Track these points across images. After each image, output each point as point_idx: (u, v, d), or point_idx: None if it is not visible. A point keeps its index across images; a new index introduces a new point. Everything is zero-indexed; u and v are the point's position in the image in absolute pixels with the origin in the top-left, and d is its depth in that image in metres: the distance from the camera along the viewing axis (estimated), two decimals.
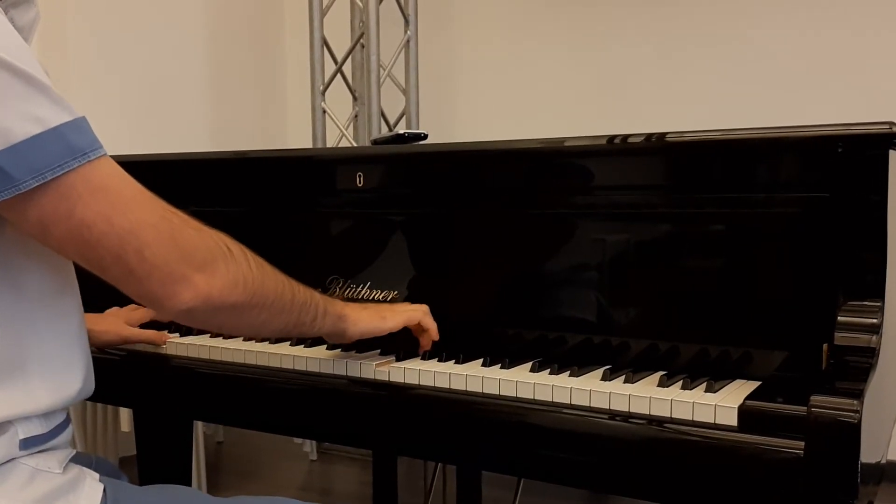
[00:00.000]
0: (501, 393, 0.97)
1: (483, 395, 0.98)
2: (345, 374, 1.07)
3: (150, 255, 0.77)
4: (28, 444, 0.80)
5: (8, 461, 0.78)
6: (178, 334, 1.26)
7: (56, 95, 0.74)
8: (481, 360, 1.05)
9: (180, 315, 0.82)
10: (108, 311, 1.25)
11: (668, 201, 1.07)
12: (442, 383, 1.01)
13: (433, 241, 1.22)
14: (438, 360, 1.07)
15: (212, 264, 0.81)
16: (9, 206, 0.73)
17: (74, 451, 0.87)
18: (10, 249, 0.79)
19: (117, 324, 1.20)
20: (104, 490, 0.84)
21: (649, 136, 1.05)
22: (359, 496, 2.42)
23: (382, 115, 2.68)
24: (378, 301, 1.22)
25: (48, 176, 0.72)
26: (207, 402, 1.22)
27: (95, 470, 0.89)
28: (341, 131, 2.71)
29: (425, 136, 1.28)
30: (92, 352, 0.91)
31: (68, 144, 0.73)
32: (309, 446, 2.72)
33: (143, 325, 1.25)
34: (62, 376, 0.84)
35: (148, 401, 1.35)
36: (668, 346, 1.02)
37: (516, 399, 0.96)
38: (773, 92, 2.33)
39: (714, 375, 0.94)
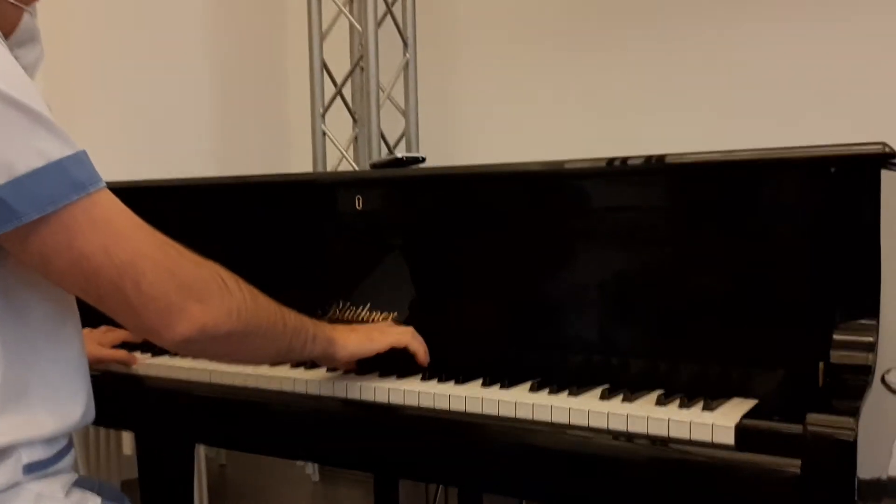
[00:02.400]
0: (500, 413, 0.98)
1: (482, 415, 0.99)
2: (344, 395, 1.08)
3: (147, 286, 0.79)
4: (32, 468, 0.81)
5: (12, 486, 0.79)
6: (149, 354, 1.28)
7: (58, 129, 0.76)
8: (480, 381, 1.06)
9: (177, 345, 0.84)
10: (96, 330, 1.27)
11: (666, 222, 1.08)
12: (441, 404, 1.02)
13: (432, 262, 1.23)
14: (438, 381, 1.07)
15: (207, 295, 0.83)
16: (10, 238, 0.75)
17: (77, 476, 0.88)
18: (12, 280, 0.81)
19: (89, 344, 1.21)
20: None
21: (649, 157, 1.06)
22: None
23: (382, 136, 2.70)
24: (378, 321, 1.23)
25: (49, 209, 0.74)
26: (207, 425, 1.23)
27: (98, 494, 0.89)
28: (342, 153, 2.72)
29: (423, 160, 1.29)
30: (92, 376, 0.92)
31: (70, 178, 0.75)
32: (311, 468, 2.72)
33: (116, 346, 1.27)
34: (65, 403, 0.85)
35: (148, 424, 1.36)
36: (666, 365, 1.03)
37: (515, 420, 0.97)
38: (770, 114, 2.34)
39: (712, 394, 0.95)
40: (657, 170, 1.07)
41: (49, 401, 0.83)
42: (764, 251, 1.00)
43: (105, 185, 0.78)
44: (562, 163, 1.14)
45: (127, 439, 2.17)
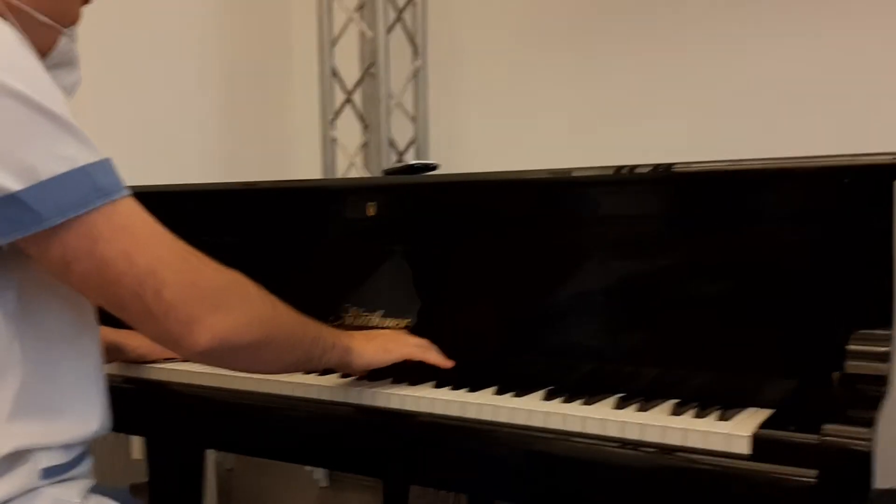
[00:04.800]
0: (514, 421, 0.98)
1: (495, 423, 0.99)
2: (357, 402, 1.08)
3: (168, 295, 0.79)
4: (49, 473, 0.81)
5: (30, 491, 0.79)
6: None
7: (83, 136, 0.77)
8: (493, 389, 1.06)
9: (197, 356, 0.84)
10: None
11: (677, 231, 1.08)
12: (454, 411, 1.02)
13: (444, 269, 1.23)
14: (451, 388, 1.07)
15: (228, 305, 0.83)
16: (32, 242, 0.75)
17: (94, 482, 0.88)
18: (33, 288, 0.81)
19: (142, 342, 1.21)
20: None
21: (657, 166, 1.07)
22: None
23: (392, 143, 2.70)
24: (389, 328, 1.23)
25: (71, 214, 0.74)
26: (219, 430, 1.23)
27: (115, 500, 0.90)
28: (350, 160, 2.73)
29: (436, 167, 1.29)
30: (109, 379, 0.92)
31: (93, 183, 0.75)
32: (320, 474, 2.72)
33: None
34: (81, 413, 0.86)
35: (159, 429, 1.36)
36: (680, 374, 1.03)
37: (528, 427, 0.97)
38: (775, 121, 2.34)
39: (726, 403, 0.95)
40: (666, 178, 1.08)
41: (66, 409, 0.84)
42: (777, 260, 1.00)
43: (129, 192, 0.79)
44: (570, 171, 1.14)
45: (136, 444, 2.18)
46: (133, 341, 1.19)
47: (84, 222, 0.75)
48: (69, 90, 0.91)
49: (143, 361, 1.23)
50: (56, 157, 0.74)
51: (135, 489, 2.14)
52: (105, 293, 0.79)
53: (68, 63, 0.93)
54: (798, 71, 2.29)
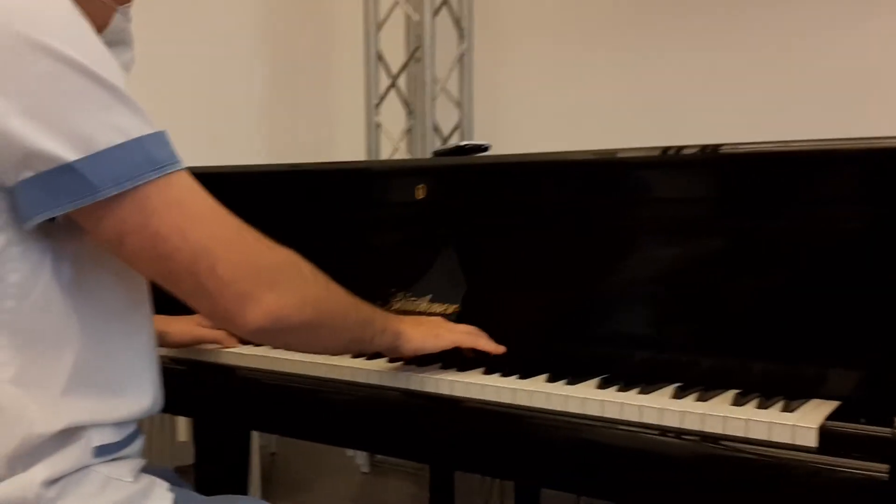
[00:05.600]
0: (567, 409, 0.95)
1: (548, 410, 0.96)
2: (406, 386, 1.07)
3: (222, 271, 0.78)
4: (102, 451, 0.81)
5: (82, 468, 0.79)
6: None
7: (139, 107, 0.76)
8: (545, 376, 1.03)
9: (249, 333, 0.83)
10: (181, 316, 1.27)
11: (735, 214, 1.04)
12: (505, 398, 1.00)
13: (495, 253, 1.21)
14: (501, 375, 1.05)
15: (282, 283, 0.82)
16: (86, 214, 0.75)
17: (145, 462, 0.88)
18: (88, 261, 0.81)
19: (190, 324, 1.21)
20: (174, 501, 0.84)
21: (704, 147, 1.04)
22: None
23: (436, 128, 2.68)
24: (438, 315, 1.21)
25: (127, 185, 0.73)
26: (267, 412, 1.23)
27: (164, 479, 0.89)
28: (395, 145, 2.71)
29: (487, 148, 1.27)
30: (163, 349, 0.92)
31: (148, 156, 0.74)
32: (361, 458, 2.72)
33: None
34: (134, 390, 0.86)
35: (208, 410, 1.36)
36: (739, 363, 0.99)
37: (582, 416, 0.94)
38: (828, 103, 2.28)
39: (789, 394, 0.91)
40: (723, 159, 1.04)
41: (120, 386, 0.83)
42: (842, 246, 0.96)
43: (184, 166, 0.78)
44: (610, 151, 1.12)
45: (182, 426, 2.19)
46: (172, 327, 1.19)
47: (138, 195, 0.74)
48: (124, 69, 0.90)
49: (180, 347, 1.22)
50: (112, 128, 0.73)
51: (180, 471, 2.16)
52: (158, 268, 0.78)
53: (122, 42, 0.93)
54: (855, 57, 2.23)
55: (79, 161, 0.72)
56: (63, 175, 0.72)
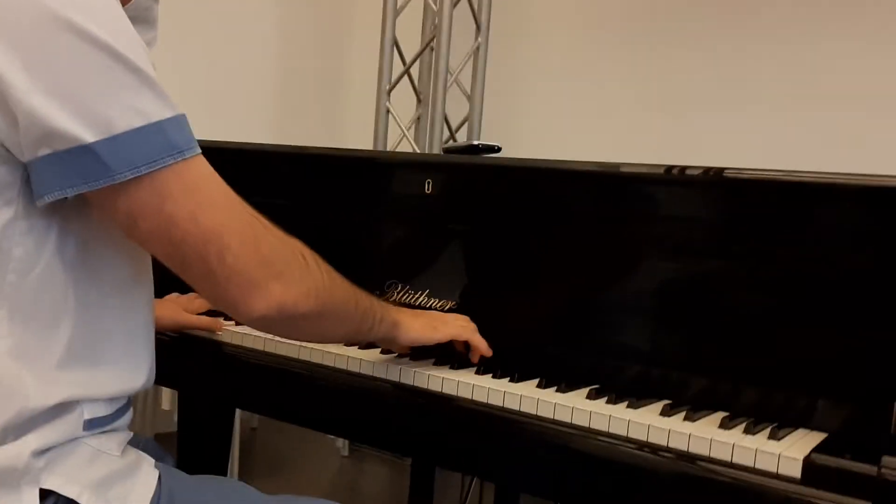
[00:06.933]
0: (555, 417, 0.96)
1: (536, 416, 0.97)
2: (397, 379, 1.07)
3: (231, 259, 0.78)
4: (92, 424, 0.81)
5: (71, 440, 0.79)
6: (233, 322, 1.26)
7: (160, 89, 0.75)
8: (536, 381, 1.04)
9: (253, 321, 0.83)
10: (167, 296, 1.26)
11: (736, 238, 1.05)
12: (495, 400, 1.00)
13: (496, 254, 1.21)
14: (493, 376, 1.06)
15: (288, 274, 0.82)
16: (101, 196, 0.74)
17: (132, 434, 0.88)
18: (93, 236, 0.80)
19: (175, 310, 1.21)
20: (159, 477, 0.85)
21: (707, 169, 1.04)
22: (387, 496, 2.41)
23: (446, 119, 2.68)
24: (436, 309, 1.21)
25: (143, 170, 0.73)
26: (253, 390, 1.23)
27: (145, 451, 0.89)
28: (403, 132, 2.71)
29: (498, 149, 1.27)
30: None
31: (167, 140, 0.74)
32: (342, 442, 2.73)
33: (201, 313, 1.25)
34: (129, 367, 0.86)
35: (194, 384, 1.36)
36: (730, 386, 1.00)
37: (569, 425, 0.95)
38: (845, 124, 2.27)
39: (777, 421, 0.92)
40: (722, 182, 1.05)
41: (114, 362, 0.83)
42: (839, 279, 0.96)
43: (199, 151, 0.77)
44: (617, 165, 1.12)
45: (166, 395, 2.19)
46: (157, 311, 1.19)
47: (154, 179, 0.74)
48: None
49: (163, 332, 1.22)
50: (133, 111, 0.72)
51: (161, 438, 2.16)
52: (169, 251, 0.78)
53: (144, 21, 0.91)
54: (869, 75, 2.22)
55: (97, 143, 0.71)
56: (80, 156, 0.71)
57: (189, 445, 1.56)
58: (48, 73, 0.70)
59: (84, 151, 0.71)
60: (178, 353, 1.25)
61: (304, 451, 2.74)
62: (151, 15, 0.94)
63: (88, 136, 0.71)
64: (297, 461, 2.66)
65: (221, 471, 1.59)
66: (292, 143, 1.55)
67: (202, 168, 0.78)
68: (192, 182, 0.76)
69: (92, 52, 0.71)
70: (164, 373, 1.28)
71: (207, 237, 0.77)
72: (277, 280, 0.81)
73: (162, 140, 0.74)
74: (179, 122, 0.76)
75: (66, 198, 0.74)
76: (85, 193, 0.74)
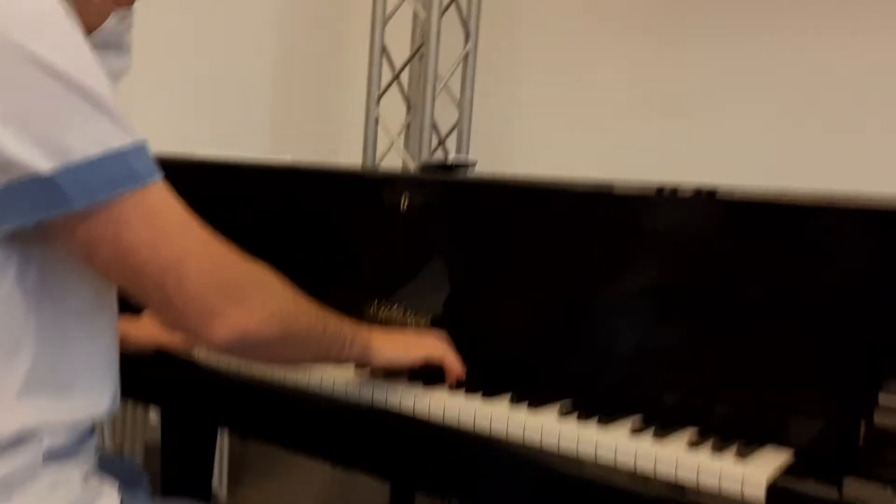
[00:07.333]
0: (525, 438, 0.95)
1: (505, 437, 0.97)
2: (367, 400, 1.06)
3: (189, 286, 0.77)
4: (52, 454, 0.80)
5: (29, 471, 0.78)
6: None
7: (119, 116, 0.74)
8: (508, 396, 1.03)
9: (216, 348, 0.83)
10: (145, 314, 1.26)
11: (715, 256, 1.05)
12: (466, 420, 1.00)
13: (471, 269, 1.21)
14: (465, 392, 1.05)
15: (248, 299, 0.82)
16: (59, 223, 0.74)
17: (97, 456, 0.87)
18: (55, 265, 0.80)
19: (153, 327, 1.21)
20: (121, 502, 0.84)
21: (699, 190, 1.04)
22: None
23: (434, 126, 2.67)
24: (412, 325, 1.21)
25: (101, 198, 0.72)
26: (232, 410, 1.23)
27: (117, 475, 0.89)
28: (392, 140, 2.71)
29: (473, 165, 1.27)
30: (124, 351, 0.91)
31: (126, 168, 0.73)
32: None
33: None
34: (92, 393, 0.85)
35: (175, 402, 1.36)
36: (701, 401, 1.00)
37: (540, 449, 0.94)
38: (854, 140, 2.24)
39: (748, 436, 0.91)
40: (707, 203, 1.05)
41: (77, 389, 0.83)
42: (815, 297, 0.96)
43: (160, 178, 0.76)
44: (611, 185, 1.11)
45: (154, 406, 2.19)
46: (136, 330, 1.18)
47: (112, 207, 0.73)
48: (114, 76, 0.87)
49: (141, 349, 1.22)
50: (90, 139, 0.72)
51: (150, 449, 2.16)
52: (127, 278, 0.78)
53: (115, 46, 0.90)
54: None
55: (54, 171, 0.70)
56: (37, 185, 0.71)
57: (172, 462, 1.56)
58: (2, 102, 0.70)
59: (41, 180, 0.71)
60: (158, 370, 1.25)
61: (295, 461, 2.74)
62: (124, 41, 0.93)
63: (45, 165, 0.70)
64: (284, 469, 2.66)
65: (204, 487, 1.59)
66: (285, 151, 1.54)
67: (161, 195, 0.77)
68: (151, 210, 0.75)
69: (47, 80, 0.70)
70: (146, 389, 1.29)
71: (165, 266, 0.76)
72: (238, 306, 0.80)
73: (121, 168, 0.73)
74: (139, 149, 0.75)
75: (25, 226, 0.73)
76: (44, 221, 0.73)
